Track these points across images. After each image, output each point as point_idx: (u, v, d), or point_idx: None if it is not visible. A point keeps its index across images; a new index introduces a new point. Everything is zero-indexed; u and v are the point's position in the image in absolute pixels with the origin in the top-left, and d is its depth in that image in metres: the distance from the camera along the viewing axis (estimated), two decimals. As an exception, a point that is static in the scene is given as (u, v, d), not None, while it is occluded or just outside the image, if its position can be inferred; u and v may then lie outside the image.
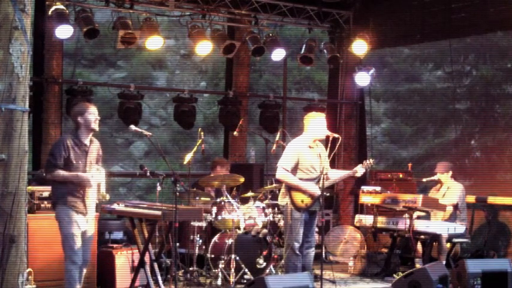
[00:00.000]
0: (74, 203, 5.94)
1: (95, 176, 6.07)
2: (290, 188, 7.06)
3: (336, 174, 7.41)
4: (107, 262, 7.40)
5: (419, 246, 8.78)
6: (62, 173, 5.90)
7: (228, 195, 7.98)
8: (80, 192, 5.96)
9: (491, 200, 9.71)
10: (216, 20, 9.65)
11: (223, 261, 7.65)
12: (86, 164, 6.03)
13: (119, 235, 8.19)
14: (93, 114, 6.04)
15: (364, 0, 10.69)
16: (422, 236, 8.44)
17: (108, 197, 6.33)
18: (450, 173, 8.79)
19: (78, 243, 5.92)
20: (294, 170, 7.06)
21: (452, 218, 8.61)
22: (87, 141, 6.08)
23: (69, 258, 5.91)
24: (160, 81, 16.72)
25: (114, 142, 15.98)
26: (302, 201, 7.04)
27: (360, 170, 7.34)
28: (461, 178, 9.29)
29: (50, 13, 8.13)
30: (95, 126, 6.06)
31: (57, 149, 5.94)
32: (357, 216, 9.06)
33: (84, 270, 6.14)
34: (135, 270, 6.92)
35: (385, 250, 9.09)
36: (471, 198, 9.57)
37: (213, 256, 7.79)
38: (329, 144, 7.02)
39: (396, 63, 17.05)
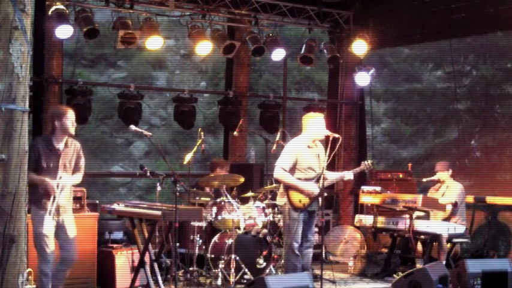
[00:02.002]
0: (46, 205, 6.00)
1: (67, 180, 6.12)
2: (288, 188, 7.06)
3: (331, 176, 7.42)
4: (107, 262, 7.40)
5: (419, 246, 8.78)
6: (31, 175, 5.88)
7: (228, 195, 7.98)
8: (52, 194, 6.03)
9: (491, 200, 9.71)
10: (216, 20, 9.65)
11: (223, 261, 7.65)
12: (59, 167, 6.08)
13: (119, 235, 8.19)
14: (70, 119, 6.11)
15: (364, 0, 10.69)
16: (422, 236, 8.44)
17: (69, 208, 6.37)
18: (450, 171, 8.79)
19: (49, 243, 6.01)
20: (292, 169, 7.06)
21: (453, 216, 8.60)
22: (60, 145, 6.13)
23: (41, 257, 5.99)
24: (160, 81, 16.72)
25: (114, 142, 15.98)
26: (300, 201, 7.04)
27: (347, 176, 7.38)
28: (461, 178, 9.30)
29: (50, 13, 8.13)
30: (72, 130, 6.14)
31: (29, 151, 5.96)
32: (357, 216, 9.05)
33: (68, 270, 6.18)
34: (135, 270, 6.93)
35: (385, 250, 9.09)
36: (471, 198, 9.56)
37: (213, 256, 7.79)
38: (329, 145, 7.01)
39: (396, 63, 17.05)
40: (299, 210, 7.02)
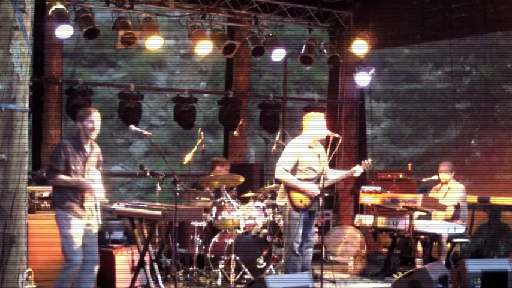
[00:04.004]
0: (71, 208, 5.96)
1: (95, 180, 6.09)
2: (289, 188, 7.05)
3: (334, 175, 7.40)
4: (107, 262, 7.38)
5: (419, 246, 8.78)
6: (63, 178, 5.93)
7: (228, 195, 7.98)
8: (78, 197, 6.00)
9: (492, 200, 9.71)
10: (216, 20, 9.66)
11: (223, 261, 7.65)
12: (84, 170, 6.04)
13: (119, 235, 8.18)
14: (91, 122, 6.01)
15: (364, 0, 10.69)
16: (422, 236, 8.44)
17: (106, 200, 6.46)
18: (453, 173, 8.79)
19: (77, 244, 5.95)
20: (294, 170, 7.05)
21: (455, 218, 8.60)
22: (87, 147, 6.09)
23: (70, 259, 5.92)
24: (160, 81, 16.73)
25: (114, 142, 15.98)
26: (301, 201, 7.03)
27: (358, 170, 7.32)
28: (461, 178, 9.29)
29: (50, 13, 8.13)
30: (91, 135, 6.05)
31: (58, 154, 5.97)
32: (357, 216, 9.06)
33: (95, 271, 6.15)
34: (135, 270, 6.92)
35: (385, 250, 9.09)
36: (472, 199, 9.56)
37: (213, 256, 7.79)
38: (329, 145, 7.00)
39: (396, 63, 17.04)
40: (300, 211, 7.02)
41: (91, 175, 6.08)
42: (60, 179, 5.92)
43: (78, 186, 5.96)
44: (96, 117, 6.04)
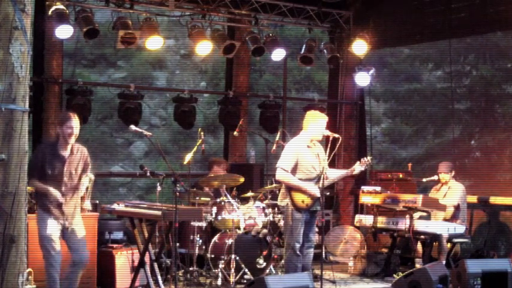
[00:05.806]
0: (51, 210, 6.04)
1: (83, 186, 6.22)
2: (290, 189, 7.04)
3: (335, 174, 7.39)
4: (107, 262, 7.40)
5: (419, 246, 8.78)
6: (36, 183, 5.99)
7: (227, 195, 7.98)
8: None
9: (492, 200, 9.70)
10: (216, 20, 9.65)
11: (223, 261, 7.65)
12: (64, 174, 6.06)
13: (119, 235, 8.19)
14: (70, 128, 6.03)
15: (364, 0, 10.69)
16: (422, 236, 8.44)
17: (89, 207, 6.79)
18: (453, 173, 8.78)
19: (55, 246, 6.03)
20: (294, 170, 7.04)
21: (454, 219, 8.60)
22: (65, 152, 6.10)
23: (47, 261, 6.03)
24: (160, 81, 16.73)
25: (114, 142, 15.99)
26: (303, 201, 7.02)
27: (357, 168, 7.31)
28: (461, 178, 9.29)
29: (50, 13, 8.13)
30: (70, 139, 6.06)
31: (34, 158, 6.03)
32: (357, 216, 9.06)
33: (81, 272, 6.18)
34: (135, 270, 6.93)
35: (385, 250, 9.09)
36: (472, 198, 9.56)
37: (213, 256, 7.79)
38: (329, 145, 7.00)
39: (396, 63, 17.05)
40: (302, 211, 7.01)
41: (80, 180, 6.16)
42: (33, 183, 5.95)
43: (46, 194, 5.99)
44: (75, 122, 6.07)
